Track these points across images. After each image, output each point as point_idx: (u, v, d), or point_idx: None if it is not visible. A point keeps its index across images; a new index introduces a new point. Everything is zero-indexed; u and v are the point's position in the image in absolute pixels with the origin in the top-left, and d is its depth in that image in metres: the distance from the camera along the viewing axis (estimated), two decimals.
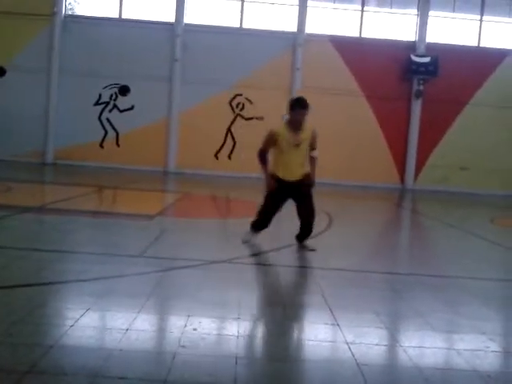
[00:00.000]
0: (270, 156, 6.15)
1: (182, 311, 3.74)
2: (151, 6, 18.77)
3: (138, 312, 3.62)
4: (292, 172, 6.04)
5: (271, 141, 6.03)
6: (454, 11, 18.98)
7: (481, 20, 18.96)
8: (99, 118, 18.64)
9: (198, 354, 3.04)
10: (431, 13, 18.76)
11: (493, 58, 18.66)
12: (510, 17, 19.06)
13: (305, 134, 6.01)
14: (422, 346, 3.48)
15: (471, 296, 4.76)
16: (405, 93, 18.76)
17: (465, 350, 3.38)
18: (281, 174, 6.05)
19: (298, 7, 18.58)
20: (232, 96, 18.61)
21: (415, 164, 18.90)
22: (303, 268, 5.74)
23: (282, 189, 6.07)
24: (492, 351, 3.40)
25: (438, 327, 3.78)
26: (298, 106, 5.88)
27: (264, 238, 6.47)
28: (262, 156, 6.17)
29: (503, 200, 17.35)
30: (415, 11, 18.84)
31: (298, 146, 5.95)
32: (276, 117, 18.53)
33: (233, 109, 18.74)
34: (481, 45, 18.99)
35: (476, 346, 3.44)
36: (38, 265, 4.78)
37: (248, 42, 18.27)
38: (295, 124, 5.93)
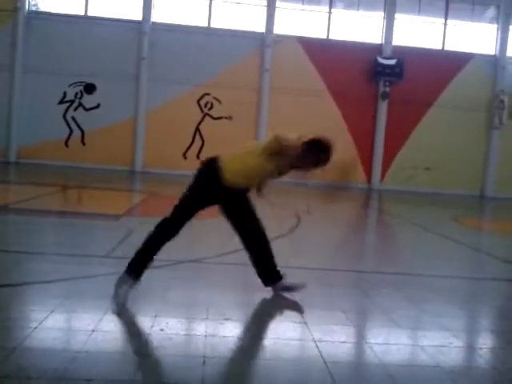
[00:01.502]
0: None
1: (149, 312, 3.71)
2: (118, 4, 18.54)
3: (104, 313, 3.58)
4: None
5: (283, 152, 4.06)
6: (419, 14, 19.35)
7: (445, 23, 19.38)
8: (64, 117, 18.31)
9: (165, 355, 3.01)
10: (397, 15, 19.08)
11: (457, 61, 19.10)
12: (473, 21, 19.53)
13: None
14: (388, 342, 3.54)
15: (435, 293, 4.86)
16: (371, 94, 19.03)
17: (429, 346, 3.44)
18: (240, 184, 4.08)
19: (266, 8, 18.63)
20: (200, 95, 18.55)
21: (381, 164, 19.19)
22: None
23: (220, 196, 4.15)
24: (455, 347, 3.48)
25: (402, 324, 3.84)
26: (329, 154, 4.33)
27: (235, 238, 6.46)
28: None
29: (467, 200, 17.76)
30: (382, 14, 19.12)
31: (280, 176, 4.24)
32: (244, 117, 18.62)
33: (201, 108, 18.67)
34: (445, 48, 19.41)
35: (440, 343, 3.52)
36: (2, 266, 4.67)
37: (216, 42, 18.23)
38: (308, 167, 4.24)
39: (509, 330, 4.03)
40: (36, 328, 3.23)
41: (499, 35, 19.43)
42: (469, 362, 3.44)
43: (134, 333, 3.46)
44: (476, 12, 19.54)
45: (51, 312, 3.52)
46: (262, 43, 18.53)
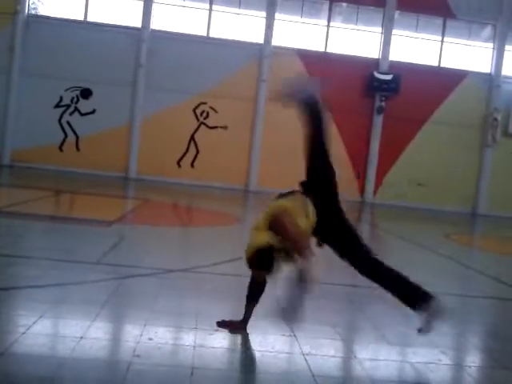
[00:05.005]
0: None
1: (138, 320, 3.68)
2: (118, 11, 18.60)
3: (93, 320, 3.55)
4: None
5: None
6: (416, 31, 19.53)
7: (442, 41, 19.56)
8: (59, 121, 18.27)
9: (152, 364, 2.99)
10: (395, 31, 19.24)
11: (452, 79, 19.26)
12: (469, 39, 19.73)
13: None
14: (377, 358, 3.53)
15: None
16: (367, 108, 19.13)
17: (418, 362, 3.44)
18: None
19: (265, 19, 18.74)
20: (196, 104, 18.58)
21: (375, 178, 19.26)
22: None
23: None
24: (444, 364, 3.48)
25: (392, 340, 3.84)
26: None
27: (225, 248, 6.45)
28: None
29: (459, 217, 17.83)
30: (380, 29, 19.28)
31: None
32: (240, 127, 18.65)
33: (197, 117, 18.70)
34: (441, 65, 19.58)
35: (429, 359, 3.51)
36: None
37: (214, 52, 18.29)
38: None
39: (497, 349, 4.04)
40: (23, 333, 3.20)
41: (495, 54, 19.62)
42: (457, 379, 3.44)
43: (122, 341, 3.43)
44: (472, 31, 19.75)
45: (39, 317, 3.49)
46: (260, 54, 18.62)
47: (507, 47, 19.64)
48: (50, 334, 3.40)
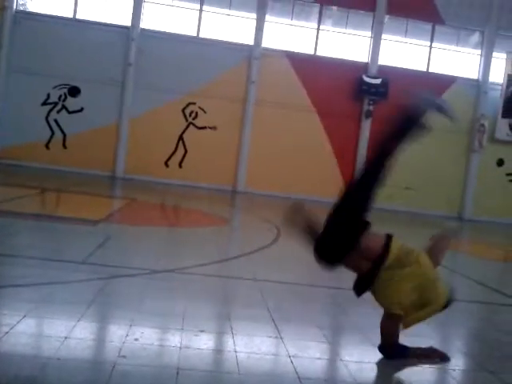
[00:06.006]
0: None
1: (123, 320, 3.66)
2: (107, 9, 18.50)
3: (78, 320, 3.52)
4: None
5: None
6: (406, 36, 19.66)
7: (430, 46, 19.71)
8: (46, 119, 18.13)
9: (138, 365, 2.98)
10: (384, 36, 19.35)
11: (440, 84, 19.38)
12: (457, 45, 19.91)
13: None
14: (362, 361, 3.55)
15: None
16: (355, 112, 19.21)
17: (403, 365, 3.46)
18: None
19: (255, 21, 18.76)
20: (185, 104, 18.53)
21: None
22: (250, 280, 5.74)
23: None
24: (429, 367, 3.50)
25: (377, 342, 3.85)
26: None
27: (213, 249, 6.44)
28: None
29: (446, 221, 17.95)
30: (369, 33, 19.38)
31: None
32: (229, 128, 18.65)
33: (185, 117, 18.65)
34: (430, 70, 19.72)
35: (413, 363, 3.53)
36: None
37: (204, 52, 18.26)
38: None
39: (481, 353, 4.07)
40: (7, 333, 3.17)
41: (482, 61, 19.81)
42: (441, 382, 3.46)
43: (107, 341, 3.41)
44: (461, 37, 19.92)
45: (23, 317, 3.46)
46: (250, 56, 18.62)
47: (495, 54, 19.83)
48: (35, 334, 3.37)
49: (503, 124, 19.65)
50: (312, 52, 19.19)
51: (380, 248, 3.48)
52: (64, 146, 18.22)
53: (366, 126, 19.17)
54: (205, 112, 18.58)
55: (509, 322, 5.24)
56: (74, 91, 18.16)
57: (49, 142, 18.18)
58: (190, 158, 18.39)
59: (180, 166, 18.60)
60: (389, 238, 3.60)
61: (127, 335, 3.37)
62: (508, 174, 19.99)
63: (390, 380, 3.29)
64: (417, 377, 3.29)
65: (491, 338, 4.50)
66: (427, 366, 3.50)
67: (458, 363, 3.85)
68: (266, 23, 18.84)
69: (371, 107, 19.07)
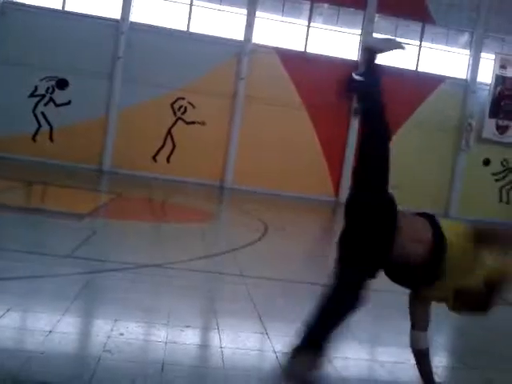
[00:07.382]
0: None
1: (109, 315, 3.64)
2: (97, 1, 18.33)
3: (63, 314, 3.50)
4: None
5: None
6: (395, 35, 19.71)
7: (420, 46, 19.79)
8: (33, 111, 17.95)
9: (123, 359, 2.96)
10: (374, 34, 19.39)
11: (429, 83, 19.51)
12: (446, 45, 20.02)
13: None
14: (348, 357, 3.56)
15: (397, 310, 4.90)
16: (344, 109, 19.25)
17: (387, 362, 3.48)
18: None
19: (246, 16, 18.71)
20: (174, 99, 18.44)
21: (350, 178, 19.38)
22: (236, 276, 5.73)
23: None
24: (412, 363, 3.52)
25: (363, 339, 3.87)
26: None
27: (199, 244, 6.43)
28: None
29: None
30: (359, 31, 19.42)
31: None
32: (218, 123, 18.60)
33: (174, 112, 18.56)
34: (419, 69, 19.81)
35: (398, 359, 3.56)
36: None
37: (194, 47, 18.17)
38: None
39: (463, 350, 4.11)
40: None
41: (471, 61, 19.93)
42: None
43: (92, 336, 3.39)
44: (450, 37, 20.02)
45: (7, 310, 3.42)
46: (240, 51, 18.56)
47: (483, 54, 19.96)
48: (18, 328, 3.34)
49: (490, 124, 19.81)
50: (302, 49, 19.18)
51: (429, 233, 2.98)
52: (51, 138, 18.05)
53: (355, 124, 19.22)
54: (194, 107, 18.51)
55: (494, 319, 5.28)
56: (62, 84, 17.98)
57: (35, 134, 18.00)
58: (178, 153, 18.31)
59: (168, 160, 18.51)
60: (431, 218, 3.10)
61: (112, 330, 3.35)
62: (494, 174, 20.19)
63: (375, 376, 3.30)
64: (402, 373, 3.31)
65: (474, 336, 4.54)
66: (411, 361, 3.53)
67: (441, 360, 3.88)
68: (256, 19, 18.79)
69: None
